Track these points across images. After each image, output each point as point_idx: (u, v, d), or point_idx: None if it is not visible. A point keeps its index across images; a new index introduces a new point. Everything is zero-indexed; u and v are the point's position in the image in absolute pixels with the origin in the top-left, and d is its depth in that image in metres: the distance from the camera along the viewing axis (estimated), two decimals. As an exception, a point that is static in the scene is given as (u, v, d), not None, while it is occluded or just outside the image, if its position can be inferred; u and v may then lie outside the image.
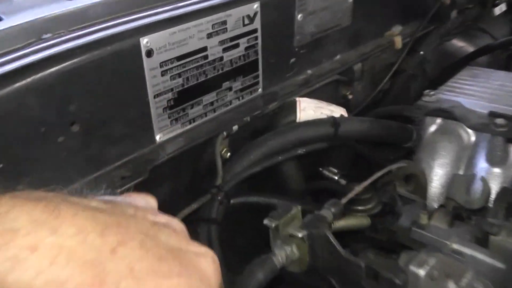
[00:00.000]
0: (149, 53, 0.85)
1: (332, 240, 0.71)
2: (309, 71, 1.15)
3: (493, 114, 0.92)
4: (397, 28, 1.33)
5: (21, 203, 0.40)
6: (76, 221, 0.40)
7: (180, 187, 0.99)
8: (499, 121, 0.89)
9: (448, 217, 0.81)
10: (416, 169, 0.87)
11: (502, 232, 0.75)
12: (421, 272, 0.66)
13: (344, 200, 0.78)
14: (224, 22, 0.95)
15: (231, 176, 0.97)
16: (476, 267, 0.71)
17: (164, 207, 0.55)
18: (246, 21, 0.99)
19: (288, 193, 1.09)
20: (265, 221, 0.75)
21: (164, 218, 0.50)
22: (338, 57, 1.20)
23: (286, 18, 1.07)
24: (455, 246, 0.74)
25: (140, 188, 0.84)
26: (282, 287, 0.82)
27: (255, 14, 1.00)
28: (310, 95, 1.15)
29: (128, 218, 0.45)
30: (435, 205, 0.93)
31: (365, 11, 1.23)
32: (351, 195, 0.79)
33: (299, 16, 1.08)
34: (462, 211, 0.82)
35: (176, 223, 0.51)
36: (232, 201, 0.95)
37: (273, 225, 0.74)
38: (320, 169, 1.11)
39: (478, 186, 0.85)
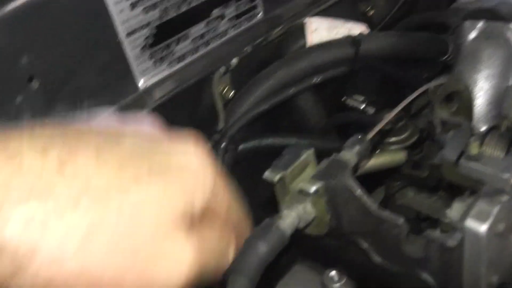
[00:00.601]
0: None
1: (357, 192, 0.55)
2: (317, -13, 0.96)
3: (548, 8, 0.73)
4: None
5: None
6: (10, 144, 0.33)
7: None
8: (555, 14, 0.70)
9: (505, 141, 0.63)
10: (459, 85, 0.70)
11: None
12: (482, 228, 0.50)
13: (371, 134, 0.62)
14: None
15: (236, 118, 0.81)
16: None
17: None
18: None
19: (307, 131, 0.94)
20: (266, 174, 0.59)
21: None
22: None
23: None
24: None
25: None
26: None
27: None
28: (322, 14, 0.97)
29: (80, 128, 0.39)
30: (484, 127, 0.76)
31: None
32: (380, 125, 0.62)
33: None
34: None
35: (148, 120, 0.43)
36: (241, 147, 0.80)
37: (276, 178, 0.58)
38: (343, 98, 0.94)
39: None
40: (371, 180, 0.70)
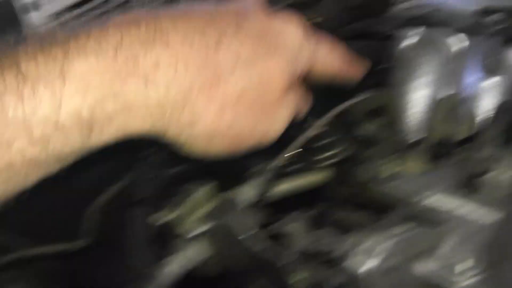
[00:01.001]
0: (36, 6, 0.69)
1: (240, 233, 0.51)
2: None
3: (486, 11, 0.68)
4: None
5: (126, 29, 0.43)
6: (178, 29, 0.45)
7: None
8: (494, 17, 0.65)
9: (429, 156, 0.59)
10: (384, 99, 0.65)
11: (499, 167, 0.54)
12: (364, 267, 0.45)
13: (276, 163, 0.58)
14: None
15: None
16: (461, 226, 0.50)
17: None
18: None
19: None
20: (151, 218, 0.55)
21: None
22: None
23: None
24: (433, 198, 0.53)
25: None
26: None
27: None
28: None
29: (217, 11, 0.49)
30: (418, 138, 0.72)
31: None
32: (295, 146, 0.58)
33: None
34: (448, 145, 0.61)
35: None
36: None
37: (161, 222, 0.54)
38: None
39: (467, 107, 0.63)
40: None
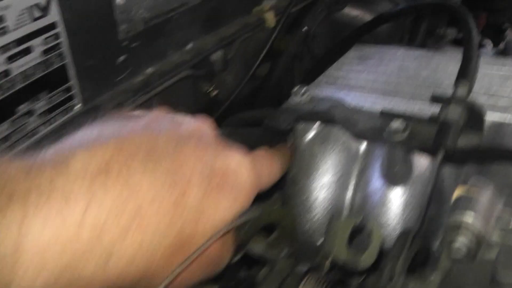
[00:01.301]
0: None
1: None
2: (149, 70, 0.85)
3: (386, 114, 0.65)
4: (268, 2, 1.04)
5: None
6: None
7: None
8: (396, 124, 0.62)
9: (325, 284, 0.53)
10: (273, 218, 0.59)
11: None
12: None
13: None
14: (1, 19, 0.65)
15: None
16: None
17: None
18: (37, 13, 0.69)
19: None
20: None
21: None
22: (190, 46, 0.91)
23: (100, 2, 0.76)
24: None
25: None
26: None
27: (49, 1, 0.70)
28: (158, 99, 0.87)
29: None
30: (319, 243, 0.67)
31: (220, -18, 0.95)
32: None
33: (119, -3, 0.78)
34: (346, 274, 0.55)
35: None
36: None
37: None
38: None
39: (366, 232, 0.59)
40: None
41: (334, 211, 0.68)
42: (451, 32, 1.35)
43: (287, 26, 1.09)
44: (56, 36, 0.72)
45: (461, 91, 0.63)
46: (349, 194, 0.68)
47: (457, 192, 0.50)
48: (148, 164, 0.44)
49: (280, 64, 1.09)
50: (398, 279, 0.50)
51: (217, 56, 0.94)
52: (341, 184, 0.69)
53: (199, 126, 0.54)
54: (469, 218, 0.46)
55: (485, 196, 0.48)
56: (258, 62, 0.98)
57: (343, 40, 0.96)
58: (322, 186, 0.68)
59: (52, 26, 0.71)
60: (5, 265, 0.35)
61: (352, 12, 1.26)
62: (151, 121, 0.50)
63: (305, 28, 1.12)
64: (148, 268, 0.43)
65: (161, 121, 0.51)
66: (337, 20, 1.23)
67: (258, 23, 1.02)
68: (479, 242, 0.46)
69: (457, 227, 0.46)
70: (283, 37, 1.05)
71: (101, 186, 0.40)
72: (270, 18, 1.01)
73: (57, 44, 0.72)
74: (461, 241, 0.45)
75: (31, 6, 0.68)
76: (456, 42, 1.35)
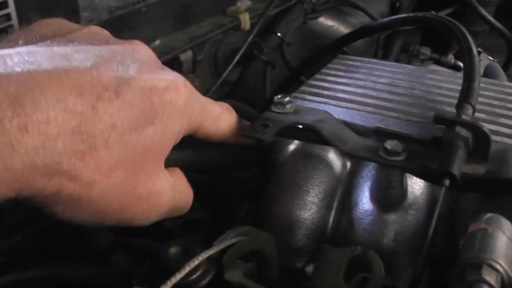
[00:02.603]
0: None
1: None
2: (111, 64, 0.77)
3: (381, 133, 0.59)
4: (243, 3, 0.97)
5: None
6: (52, 87, 0.40)
7: None
8: (392, 145, 0.56)
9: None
10: (257, 243, 0.52)
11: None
12: None
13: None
14: None
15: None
16: None
17: None
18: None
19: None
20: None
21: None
22: (157, 42, 0.83)
23: (62, -17, 0.68)
24: None
25: None
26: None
27: (3, -25, 0.61)
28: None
29: (99, 61, 0.45)
30: (299, 264, 0.61)
31: (195, -25, 0.87)
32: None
33: (84, -20, 0.69)
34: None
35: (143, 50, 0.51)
36: None
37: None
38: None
39: (362, 258, 0.52)
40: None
41: (317, 234, 0.61)
42: (425, 51, 1.33)
43: (260, 31, 1.02)
44: (7, 17, 0.63)
45: (466, 113, 0.58)
46: (333, 215, 0.62)
47: (473, 227, 0.44)
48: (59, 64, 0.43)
49: (252, 70, 1.02)
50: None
51: (186, 56, 0.86)
52: (324, 204, 0.62)
53: (131, 44, 0.51)
54: (491, 255, 0.40)
55: (505, 230, 0.43)
56: (230, 67, 0.91)
57: (323, 49, 0.90)
58: (305, 204, 0.62)
59: (4, 4, 0.62)
60: None
61: (327, 22, 1.21)
62: (79, 37, 0.48)
63: (279, 34, 1.05)
64: (57, 165, 0.41)
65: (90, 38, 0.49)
66: (312, 29, 1.18)
67: (232, 24, 0.95)
68: (504, 283, 0.40)
69: (479, 266, 0.40)
70: (256, 42, 0.98)
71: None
72: (245, 20, 0.94)
73: (8, 26, 0.64)
74: (485, 282, 0.39)
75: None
76: (435, 62, 1.32)
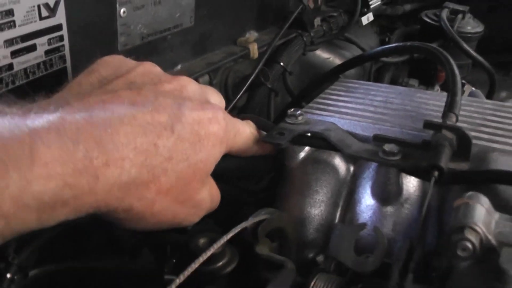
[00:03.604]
0: None
1: None
2: (140, 85, 0.87)
3: (379, 138, 0.69)
4: (252, 35, 1.09)
5: (82, 126, 0.49)
6: (125, 131, 0.52)
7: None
8: (390, 147, 0.66)
9: (330, 287, 0.56)
10: (281, 222, 0.61)
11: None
12: None
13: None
14: (10, 12, 0.66)
15: (28, 240, 0.66)
16: None
17: None
18: (44, 13, 0.70)
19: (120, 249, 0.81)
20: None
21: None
22: (179, 67, 0.93)
23: (105, 11, 0.79)
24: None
25: None
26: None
27: (57, 3, 0.71)
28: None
29: (155, 106, 0.56)
30: (311, 255, 0.70)
31: (211, 10, 0.98)
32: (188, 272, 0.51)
33: (122, 10, 0.80)
34: (351, 275, 0.58)
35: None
36: (32, 273, 0.66)
37: None
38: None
39: (368, 237, 0.62)
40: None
41: (326, 228, 0.71)
42: (413, 82, 1.44)
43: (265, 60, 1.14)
44: (60, 38, 0.73)
45: (450, 120, 0.68)
46: (339, 212, 0.72)
47: (458, 202, 0.54)
48: (128, 110, 0.53)
49: (257, 96, 1.13)
50: (408, 283, 0.52)
51: (204, 80, 0.96)
52: (332, 202, 0.72)
53: (178, 81, 0.62)
54: (472, 220, 0.50)
55: (483, 203, 0.53)
56: (242, 92, 1.01)
57: (323, 76, 1.01)
58: (315, 202, 0.71)
59: (58, 27, 0.72)
60: (21, 171, 0.43)
61: (324, 54, 1.33)
62: (136, 77, 0.60)
63: (282, 63, 1.16)
64: (127, 192, 0.52)
65: (145, 77, 0.61)
66: (310, 61, 1.29)
67: (242, 53, 1.06)
68: (483, 242, 0.50)
69: (462, 229, 0.50)
70: (263, 70, 1.09)
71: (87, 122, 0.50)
72: (254, 49, 1.05)
73: (60, 46, 0.73)
74: (467, 240, 0.49)
75: (40, 5, 0.69)
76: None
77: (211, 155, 0.60)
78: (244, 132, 0.69)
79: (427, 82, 1.49)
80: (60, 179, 0.45)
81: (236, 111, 1.14)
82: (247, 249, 0.62)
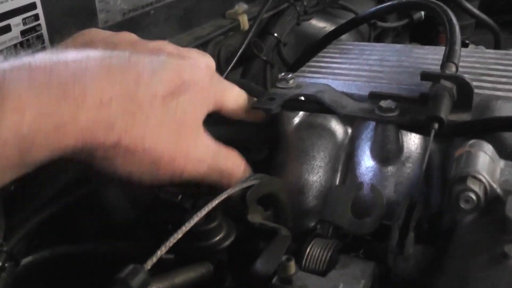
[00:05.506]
0: None
1: None
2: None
3: (375, 96, 0.66)
4: (241, 6, 1.05)
5: (55, 63, 0.49)
6: (103, 66, 0.52)
7: None
8: (386, 103, 0.62)
9: (326, 252, 0.52)
10: (273, 187, 0.58)
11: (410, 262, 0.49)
12: None
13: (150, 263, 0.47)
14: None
15: (17, 226, 0.64)
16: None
17: None
18: (16, -8, 0.67)
19: (115, 230, 0.78)
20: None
21: None
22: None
23: (81, -13, 0.76)
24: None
25: None
26: None
27: (29, -19, 0.68)
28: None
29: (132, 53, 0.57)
30: (311, 224, 0.66)
31: (196, -18, 0.95)
32: (176, 237, 0.48)
33: (99, -15, 0.77)
34: (348, 238, 0.55)
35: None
36: (24, 261, 0.63)
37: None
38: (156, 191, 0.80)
39: (367, 198, 0.58)
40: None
41: (325, 194, 0.67)
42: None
43: (258, 32, 1.10)
44: (36, 17, 0.70)
45: (450, 70, 0.64)
46: (339, 177, 0.68)
47: (459, 152, 0.50)
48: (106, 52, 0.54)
49: (252, 69, 1.09)
50: (409, 242, 0.49)
51: (192, 54, 0.93)
52: (330, 167, 0.68)
53: (157, 43, 0.63)
54: (474, 169, 0.47)
55: (487, 151, 0.49)
56: (232, 64, 0.98)
57: (317, 43, 0.97)
58: (312, 169, 0.68)
59: (32, 6, 0.69)
60: None
61: (319, 23, 1.29)
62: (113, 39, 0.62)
63: (276, 34, 1.12)
64: (112, 124, 0.50)
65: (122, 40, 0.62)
66: (305, 31, 1.25)
67: (231, 26, 1.02)
68: (487, 191, 0.46)
69: (464, 179, 0.46)
70: (255, 42, 1.06)
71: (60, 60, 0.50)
72: (244, 21, 1.02)
73: (36, 26, 0.71)
74: (471, 190, 0.46)
75: (11, -16, 0.66)
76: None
77: (198, 100, 0.59)
78: (232, 90, 0.67)
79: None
80: (36, 108, 0.44)
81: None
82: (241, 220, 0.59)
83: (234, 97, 0.67)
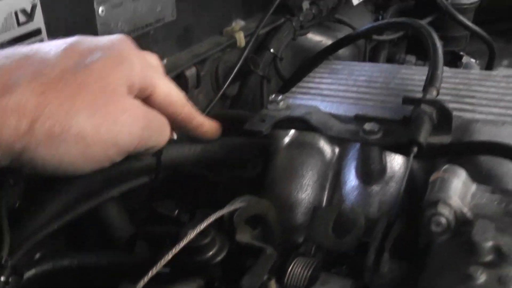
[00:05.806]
0: None
1: None
2: (126, 82, 0.87)
3: (360, 118, 0.69)
4: (238, 23, 1.09)
5: None
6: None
7: None
8: (370, 126, 0.66)
9: (307, 270, 0.55)
10: (260, 209, 0.61)
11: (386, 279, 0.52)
12: None
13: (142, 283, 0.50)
14: (-15, 21, 0.67)
15: (22, 241, 0.67)
16: None
17: None
18: (22, 18, 0.71)
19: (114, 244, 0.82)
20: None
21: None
22: (164, 61, 0.93)
23: (83, 12, 0.79)
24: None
25: None
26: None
27: (34, 7, 0.72)
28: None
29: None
30: (300, 240, 0.70)
31: (193, 1, 0.98)
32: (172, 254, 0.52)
33: (100, 9, 0.80)
34: (331, 256, 0.58)
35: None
36: (27, 275, 0.65)
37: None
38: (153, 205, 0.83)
39: (349, 218, 0.62)
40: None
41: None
42: (411, 59, 1.43)
43: (255, 48, 1.13)
44: (41, 41, 0.74)
45: (431, 94, 0.68)
46: (326, 194, 0.72)
47: (433, 176, 0.54)
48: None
49: (249, 84, 1.13)
50: (384, 260, 0.52)
51: (191, 72, 0.96)
52: (318, 185, 0.72)
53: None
54: (446, 194, 0.50)
55: (459, 176, 0.53)
56: (229, 80, 1.01)
57: (312, 58, 1.00)
58: (302, 186, 0.71)
59: (37, 32, 0.73)
60: None
61: (315, 37, 1.32)
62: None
63: (272, 50, 1.16)
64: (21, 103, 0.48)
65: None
66: (302, 45, 1.29)
67: (229, 42, 1.06)
68: (457, 215, 0.49)
69: (435, 203, 0.50)
70: (252, 58, 1.09)
71: None
72: (241, 38, 1.05)
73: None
74: (441, 214, 0.49)
75: (17, 11, 0.70)
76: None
77: (113, 64, 0.56)
78: (165, 78, 0.63)
79: (425, 58, 1.47)
80: None
81: (229, 100, 1.14)
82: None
83: (166, 84, 0.62)
